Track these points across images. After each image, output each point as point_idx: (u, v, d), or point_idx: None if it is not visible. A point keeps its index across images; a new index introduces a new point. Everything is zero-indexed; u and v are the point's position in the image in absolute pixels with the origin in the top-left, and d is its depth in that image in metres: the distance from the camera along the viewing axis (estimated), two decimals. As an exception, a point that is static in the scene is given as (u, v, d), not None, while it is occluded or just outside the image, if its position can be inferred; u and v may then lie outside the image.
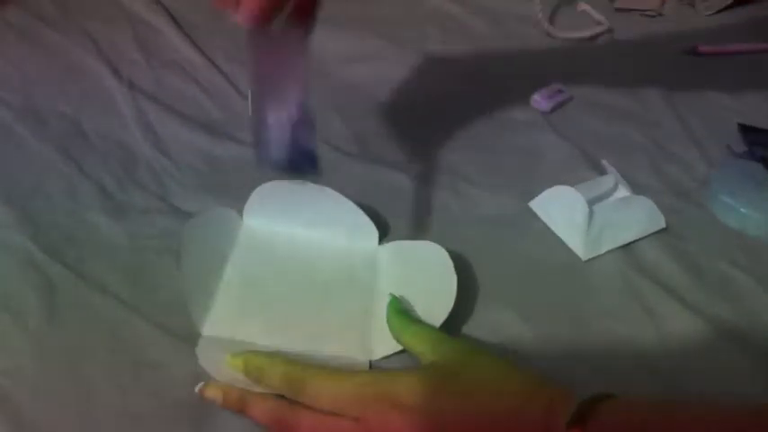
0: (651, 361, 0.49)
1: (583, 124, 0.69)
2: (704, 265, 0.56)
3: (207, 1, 0.80)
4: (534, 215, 0.59)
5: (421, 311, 0.49)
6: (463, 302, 0.52)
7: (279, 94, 0.49)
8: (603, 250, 0.56)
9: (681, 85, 0.75)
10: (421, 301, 0.49)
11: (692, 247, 0.57)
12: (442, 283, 0.49)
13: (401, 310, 0.48)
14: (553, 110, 0.70)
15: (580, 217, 0.55)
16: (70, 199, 0.57)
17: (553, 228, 0.58)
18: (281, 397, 0.43)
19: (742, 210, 0.59)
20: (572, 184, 0.57)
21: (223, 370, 0.45)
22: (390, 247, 0.53)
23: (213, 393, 0.44)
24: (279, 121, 0.49)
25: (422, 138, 0.66)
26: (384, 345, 0.48)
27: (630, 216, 0.57)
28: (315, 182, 0.53)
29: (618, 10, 0.85)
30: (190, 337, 0.48)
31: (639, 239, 0.57)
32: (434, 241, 0.52)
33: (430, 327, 0.47)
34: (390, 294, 0.49)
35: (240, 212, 0.55)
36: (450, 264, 0.50)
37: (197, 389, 0.44)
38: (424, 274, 0.51)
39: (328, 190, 0.54)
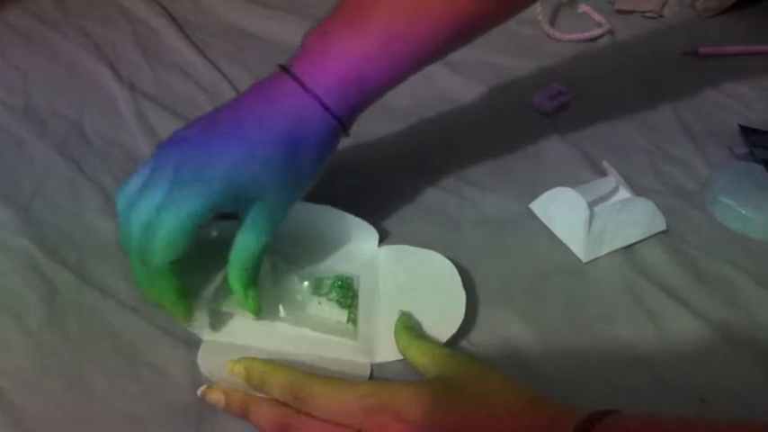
0: (652, 362, 0.49)
1: (583, 126, 0.69)
2: (705, 267, 0.56)
3: (208, 3, 0.80)
4: (535, 217, 0.59)
5: (428, 327, 0.49)
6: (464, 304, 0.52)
7: None
8: (604, 252, 0.56)
9: (681, 87, 0.75)
10: (429, 316, 0.49)
11: (693, 249, 0.57)
12: (450, 299, 0.50)
13: (409, 327, 0.47)
14: (554, 111, 0.70)
15: (581, 218, 0.55)
16: (71, 200, 0.57)
17: (554, 229, 0.58)
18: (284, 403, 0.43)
19: (743, 211, 0.59)
20: (573, 186, 0.57)
21: (224, 375, 0.44)
22: (391, 250, 0.53)
23: (216, 397, 0.43)
24: None
25: (422, 139, 0.66)
26: (386, 350, 0.48)
27: (631, 218, 0.57)
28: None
29: (618, 11, 0.85)
30: (190, 339, 0.48)
31: (640, 241, 0.57)
32: (435, 242, 0.52)
33: (435, 343, 0.47)
34: (400, 311, 0.49)
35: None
36: (458, 280, 0.50)
37: (199, 392, 0.44)
38: (431, 288, 0.51)
39: (329, 208, 0.54)
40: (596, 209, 0.57)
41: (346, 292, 0.50)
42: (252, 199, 0.46)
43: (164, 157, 0.45)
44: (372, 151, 0.64)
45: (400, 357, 0.47)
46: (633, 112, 0.71)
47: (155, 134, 0.64)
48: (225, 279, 0.48)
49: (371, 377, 0.47)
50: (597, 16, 0.83)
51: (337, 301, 0.50)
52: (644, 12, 0.85)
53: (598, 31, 0.80)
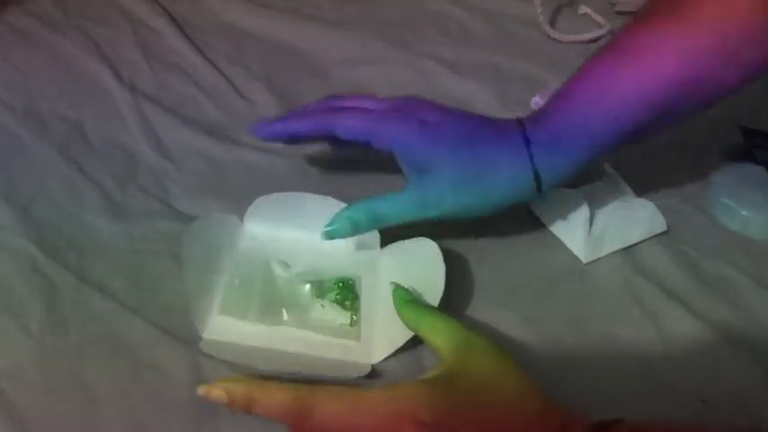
0: (652, 363, 0.49)
1: (584, 127, 0.69)
2: (705, 268, 0.56)
3: (208, 3, 0.80)
4: (535, 218, 0.59)
5: None
6: (464, 305, 0.52)
7: None
8: (605, 253, 0.56)
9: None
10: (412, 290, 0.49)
11: (694, 250, 0.57)
12: (431, 274, 0.49)
13: (410, 300, 0.47)
14: (554, 112, 0.70)
15: (581, 220, 0.55)
16: (71, 201, 0.57)
17: (554, 230, 0.58)
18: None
19: (743, 212, 0.59)
20: (573, 187, 0.57)
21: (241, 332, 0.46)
22: (392, 249, 0.53)
23: (217, 394, 0.41)
24: None
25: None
26: (383, 347, 0.48)
27: (632, 219, 0.57)
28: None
29: (619, 13, 0.85)
30: (190, 339, 0.48)
31: (641, 242, 0.57)
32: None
33: (446, 318, 0.45)
34: (391, 283, 0.48)
35: (240, 217, 0.55)
36: (438, 254, 0.50)
37: (200, 391, 0.41)
38: (415, 268, 0.51)
39: (330, 199, 0.54)
40: (597, 210, 0.57)
41: (348, 294, 0.50)
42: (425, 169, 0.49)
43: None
44: (372, 151, 0.64)
45: (396, 349, 0.47)
46: (633, 113, 0.71)
47: (155, 134, 0.64)
48: (232, 283, 0.48)
49: (370, 375, 0.47)
50: (598, 17, 0.83)
51: (340, 303, 0.50)
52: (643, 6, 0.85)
53: (599, 33, 0.80)
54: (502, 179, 0.49)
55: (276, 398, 0.40)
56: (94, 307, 0.49)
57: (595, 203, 0.57)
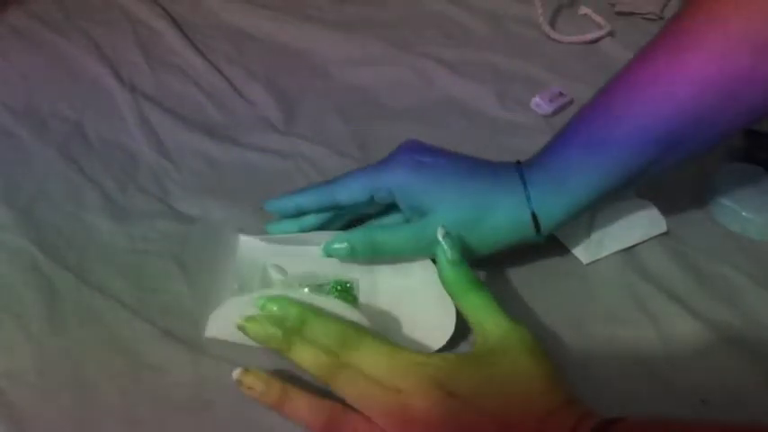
0: (652, 364, 0.49)
1: (584, 128, 0.69)
2: (706, 269, 0.56)
3: (208, 3, 0.80)
4: (535, 218, 0.59)
5: (419, 333, 0.48)
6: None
7: None
8: (605, 254, 0.56)
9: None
10: (421, 321, 0.49)
11: (694, 251, 0.57)
12: (427, 274, 0.50)
13: (458, 263, 0.47)
14: (554, 113, 0.70)
15: (581, 220, 0.55)
16: (72, 202, 0.57)
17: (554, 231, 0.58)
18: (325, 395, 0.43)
19: (744, 213, 0.59)
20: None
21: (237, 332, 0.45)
22: None
23: (252, 381, 0.43)
24: None
25: (422, 140, 0.66)
26: None
27: (632, 220, 0.57)
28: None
29: (619, 13, 0.85)
30: (190, 340, 0.48)
31: (641, 243, 0.57)
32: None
33: (488, 299, 0.46)
34: (442, 230, 0.48)
35: (240, 217, 0.55)
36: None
37: (234, 374, 0.43)
38: (426, 292, 0.50)
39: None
40: (597, 211, 0.57)
41: (347, 297, 0.50)
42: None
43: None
44: (372, 152, 0.64)
45: None
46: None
47: (155, 135, 0.64)
48: (231, 287, 0.49)
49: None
50: (598, 18, 0.83)
51: None
52: (645, 14, 0.85)
53: (599, 33, 0.80)
54: (499, 220, 0.49)
55: (311, 400, 0.43)
56: (94, 307, 0.49)
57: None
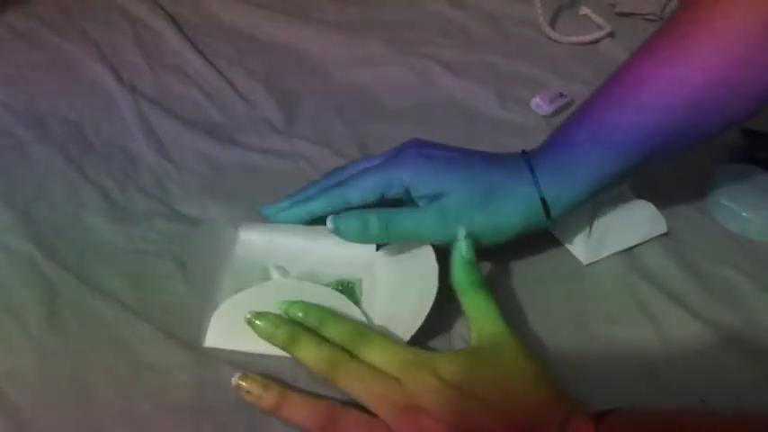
0: (652, 364, 0.49)
1: (584, 128, 0.69)
2: (706, 270, 0.56)
3: (208, 4, 0.80)
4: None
5: (401, 313, 0.49)
6: (464, 306, 0.52)
7: None
8: (605, 254, 0.56)
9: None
10: (403, 302, 0.49)
11: (694, 252, 0.57)
12: (426, 273, 0.49)
13: (472, 263, 0.49)
14: (554, 114, 0.70)
15: (582, 221, 0.55)
16: (72, 202, 0.57)
17: (554, 232, 0.58)
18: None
19: (744, 214, 0.59)
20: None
21: (242, 338, 0.46)
22: (385, 250, 0.53)
23: (250, 385, 0.44)
24: None
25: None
26: None
27: (632, 220, 0.57)
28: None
29: (619, 14, 0.85)
30: (191, 341, 0.48)
31: (641, 244, 0.57)
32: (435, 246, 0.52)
33: (490, 299, 0.48)
34: (463, 230, 0.49)
35: (240, 218, 0.55)
36: (432, 254, 0.50)
37: (233, 380, 0.44)
38: (409, 268, 0.51)
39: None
40: (597, 211, 0.57)
41: (349, 297, 0.50)
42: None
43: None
44: (372, 152, 0.64)
45: None
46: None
47: (155, 136, 0.64)
48: (233, 292, 0.49)
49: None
50: (598, 18, 0.83)
51: None
52: (645, 14, 0.85)
53: (599, 34, 0.80)
54: (511, 203, 0.50)
55: (309, 401, 0.43)
56: (94, 307, 0.49)
57: (596, 205, 0.57)
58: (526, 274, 0.55)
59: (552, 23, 0.82)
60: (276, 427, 0.44)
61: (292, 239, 0.54)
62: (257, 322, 0.46)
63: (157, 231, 0.55)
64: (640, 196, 0.59)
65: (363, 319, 0.48)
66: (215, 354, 0.47)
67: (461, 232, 0.49)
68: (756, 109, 0.49)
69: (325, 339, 0.45)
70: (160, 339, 0.48)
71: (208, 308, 0.49)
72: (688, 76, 0.48)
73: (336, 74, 0.73)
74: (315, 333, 0.46)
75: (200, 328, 0.48)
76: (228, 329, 0.48)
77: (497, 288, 0.53)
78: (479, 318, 0.47)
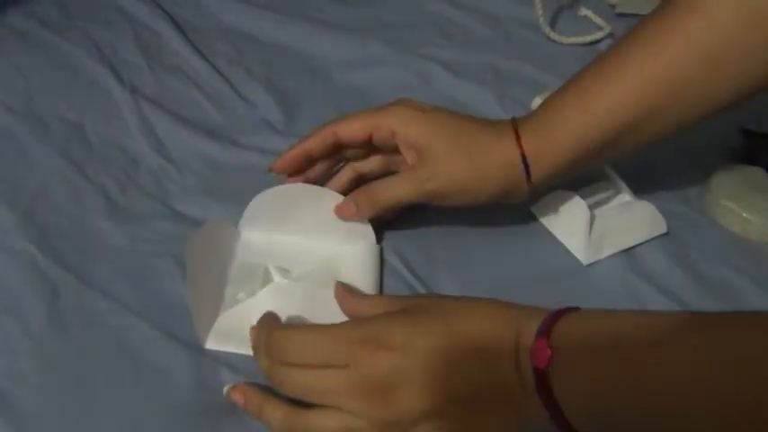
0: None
1: (584, 129, 0.69)
2: (706, 270, 0.56)
3: (208, 5, 0.80)
4: (536, 219, 0.59)
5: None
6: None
7: None
8: (605, 255, 0.56)
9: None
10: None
11: (694, 252, 0.57)
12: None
13: None
14: (554, 114, 0.70)
15: (582, 221, 0.55)
16: (73, 203, 0.57)
17: (555, 232, 0.58)
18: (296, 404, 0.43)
19: (744, 214, 0.59)
20: (574, 189, 0.57)
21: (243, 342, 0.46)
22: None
23: (236, 396, 0.44)
24: None
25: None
26: None
27: (632, 221, 0.57)
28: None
29: (619, 15, 0.85)
30: (192, 342, 0.48)
31: (641, 244, 0.57)
32: (435, 245, 0.52)
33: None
34: None
35: (239, 219, 0.55)
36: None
37: (225, 390, 0.44)
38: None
39: (327, 191, 0.54)
40: (597, 212, 0.57)
41: None
42: None
43: None
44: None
45: None
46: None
47: (156, 136, 0.64)
48: (235, 297, 0.50)
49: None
50: (598, 19, 0.83)
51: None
52: (645, 15, 0.85)
53: (599, 35, 0.80)
54: (494, 155, 0.52)
55: (283, 409, 0.42)
56: (95, 308, 0.49)
57: (595, 205, 0.57)
58: (526, 273, 0.55)
59: (552, 24, 0.82)
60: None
61: (293, 239, 0.54)
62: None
63: (158, 232, 0.55)
64: (640, 196, 0.59)
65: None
66: (215, 355, 0.47)
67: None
68: (741, 93, 0.51)
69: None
70: (161, 340, 0.48)
71: (209, 309, 0.49)
72: (674, 51, 0.50)
73: (337, 74, 0.73)
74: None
75: (201, 329, 0.48)
76: (230, 333, 0.48)
77: (497, 289, 0.53)
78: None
